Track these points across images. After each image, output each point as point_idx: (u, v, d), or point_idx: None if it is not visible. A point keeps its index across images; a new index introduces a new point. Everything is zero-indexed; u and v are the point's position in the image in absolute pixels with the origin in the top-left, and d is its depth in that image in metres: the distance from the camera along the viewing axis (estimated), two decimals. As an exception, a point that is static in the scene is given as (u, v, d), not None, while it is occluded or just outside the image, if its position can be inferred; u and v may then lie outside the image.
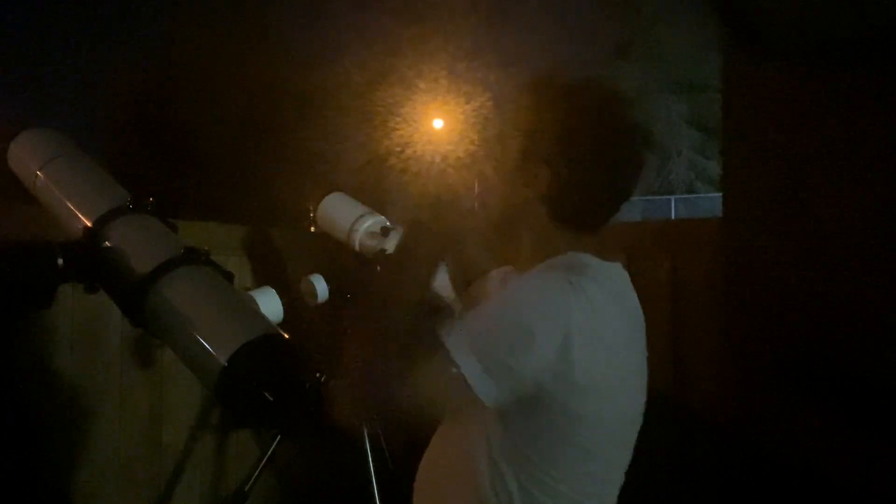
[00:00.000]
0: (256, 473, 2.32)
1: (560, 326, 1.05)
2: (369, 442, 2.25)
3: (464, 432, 1.15)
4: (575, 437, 1.10)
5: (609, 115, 1.17)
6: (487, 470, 1.10)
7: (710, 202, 12.69)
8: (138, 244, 1.14)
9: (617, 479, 1.20)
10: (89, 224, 1.17)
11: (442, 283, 1.35)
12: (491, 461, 1.10)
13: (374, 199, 2.46)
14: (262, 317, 1.11)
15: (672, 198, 14.18)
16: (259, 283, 2.38)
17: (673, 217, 13.23)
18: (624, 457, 1.20)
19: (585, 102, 1.17)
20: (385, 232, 2.25)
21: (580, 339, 1.05)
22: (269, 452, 2.34)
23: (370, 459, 2.23)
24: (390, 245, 2.24)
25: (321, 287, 2.27)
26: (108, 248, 1.13)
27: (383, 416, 1.25)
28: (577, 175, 1.14)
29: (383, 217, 2.33)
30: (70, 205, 1.22)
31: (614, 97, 1.18)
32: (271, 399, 1.01)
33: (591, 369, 1.06)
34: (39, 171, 1.29)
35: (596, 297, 1.08)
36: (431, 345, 1.05)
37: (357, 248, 2.30)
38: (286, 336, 1.06)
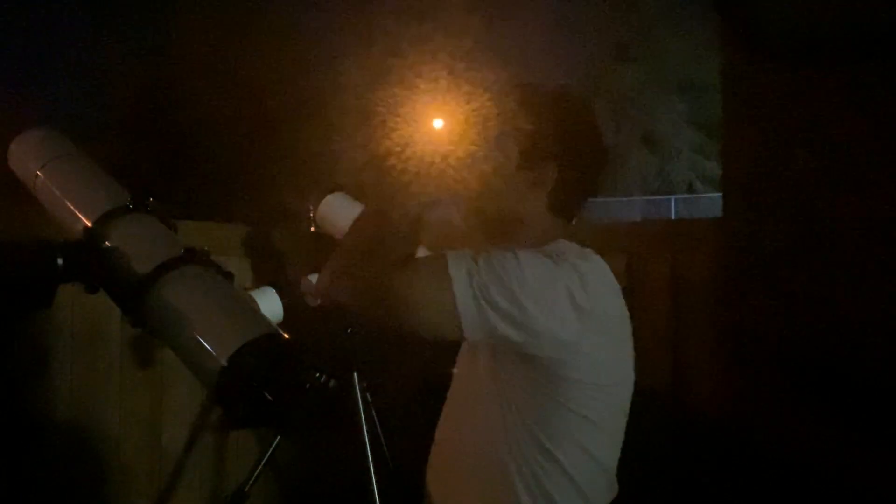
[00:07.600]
0: (256, 473, 2.32)
1: (560, 290, 1.14)
2: (369, 442, 2.25)
3: (471, 412, 1.28)
4: (569, 402, 1.17)
5: (592, 116, 1.36)
6: (498, 442, 1.20)
7: (710, 202, 12.68)
8: (138, 244, 1.14)
9: (612, 463, 1.27)
10: (89, 224, 1.16)
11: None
12: (504, 432, 1.19)
13: (373, 198, 2.44)
14: (262, 317, 1.11)
15: (672, 198, 14.18)
16: (259, 283, 2.38)
17: (673, 217, 13.22)
18: (617, 439, 1.27)
19: (576, 105, 1.34)
20: (385, 232, 2.24)
21: (581, 304, 1.14)
22: (269, 452, 2.34)
23: (370, 459, 2.23)
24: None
25: (321, 287, 2.26)
26: (107, 247, 1.13)
27: (356, 316, 1.40)
28: (577, 171, 1.31)
29: (383, 217, 2.32)
30: (70, 205, 1.22)
31: (587, 101, 1.40)
32: (271, 399, 1.01)
33: (592, 336, 1.15)
34: (39, 171, 1.29)
35: (591, 273, 1.21)
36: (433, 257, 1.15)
37: (357, 248, 2.30)
38: (286, 336, 1.06)
